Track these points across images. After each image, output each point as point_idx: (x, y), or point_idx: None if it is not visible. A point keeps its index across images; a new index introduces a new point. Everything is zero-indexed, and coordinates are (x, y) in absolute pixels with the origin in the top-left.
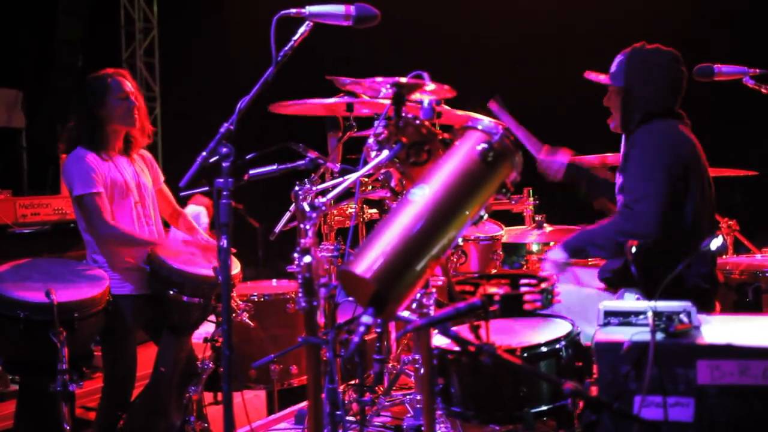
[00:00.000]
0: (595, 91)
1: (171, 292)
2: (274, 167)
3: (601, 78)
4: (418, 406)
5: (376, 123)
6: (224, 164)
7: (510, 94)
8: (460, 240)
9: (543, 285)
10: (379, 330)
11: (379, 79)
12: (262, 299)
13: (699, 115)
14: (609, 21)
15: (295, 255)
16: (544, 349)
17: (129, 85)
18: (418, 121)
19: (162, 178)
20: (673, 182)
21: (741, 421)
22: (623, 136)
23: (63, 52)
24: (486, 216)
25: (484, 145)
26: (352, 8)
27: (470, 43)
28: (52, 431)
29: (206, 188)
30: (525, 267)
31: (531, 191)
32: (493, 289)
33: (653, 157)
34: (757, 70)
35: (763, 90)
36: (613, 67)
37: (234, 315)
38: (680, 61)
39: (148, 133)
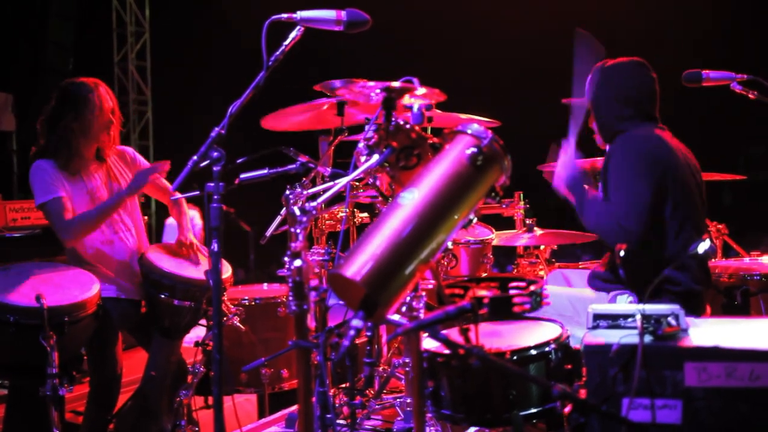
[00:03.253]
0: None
1: (162, 296)
2: (265, 171)
3: (578, 100)
4: (408, 409)
5: (366, 127)
6: (215, 168)
7: (501, 98)
8: (450, 243)
9: (532, 288)
10: (369, 333)
11: (369, 83)
12: (253, 303)
13: (688, 120)
14: (599, 23)
15: (286, 259)
16: (533, 352)
17: (109, 101)
18: (408, 126)
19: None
20: (653, 189)
21: (727, 422)
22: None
23: (54, 56)
24: (475, 220)
25: (474, 149)
26: (343, 13)
27: (461, 47)
28: None
29: (197, 192)
30: (516, 270)
31: (522, 195)
32: (482, 293)
33: (632, 167)
34: (745, 76)
35: (750, 95)
36: (586, 88)
37: (225, 319)
38: (644, 67)
39: (116, 144)
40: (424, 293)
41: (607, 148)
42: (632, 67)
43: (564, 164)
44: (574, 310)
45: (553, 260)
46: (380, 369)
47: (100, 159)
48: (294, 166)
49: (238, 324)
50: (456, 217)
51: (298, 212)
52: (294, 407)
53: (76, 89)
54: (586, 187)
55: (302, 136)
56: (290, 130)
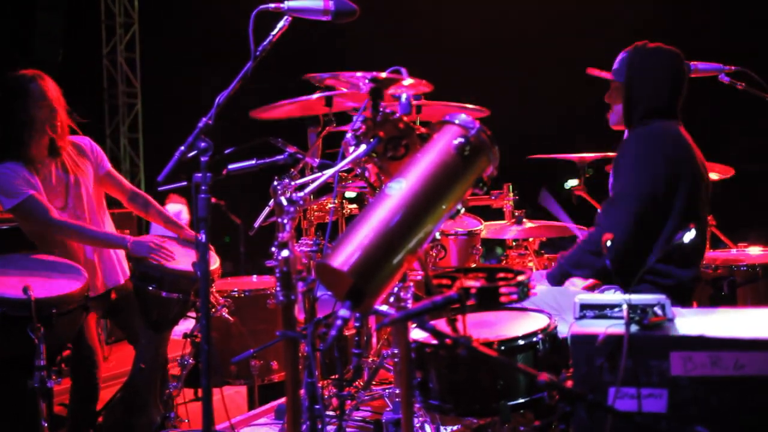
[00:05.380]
0: (578, 89)
1: (150, 288)
2: (253, 162)
3: (604, 74)
4: (397, 400)
5: (354, 118)
6: (203, 159)
7: (490, 88)
8: (438, 235)
9: (519, 278)
10: (357, 324)
11: (357, 74)
12: (242, 295)
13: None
14: (592, 17)
15: (273, 249)
16: (521, 342)
17: (53, 91)
18: (395, 116)
19: (107, 163)
20: (655, 186)
21: (712, 411)
22: (625, 133)
23: (42, 47)
24: (463, 210)
25: (461, 140)
26: (330, 3)
27: (452, 37)
28: (29, 428)
29: (184, 183)
30: (504, 261)
31: (511, 187)
32: (469, 283)
33: (642, 160)
34: (732, 67)
35: (738, 86)
36: (615, 64)
37: (213, 310)
38: (682, 60)
39: (69, 126)
40: (412, 284)
41: (625, 135)
42: (672, 57)
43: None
44: (558, 304)
45: (542, 252)
46: (369, 360)
47: (53, 152)
48: (282, 156)
49: (227, 315)
50: (444, 207)
51: (285, 203)
52: (284, 399)
53: (15, 81)
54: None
55: (290, 126)
56: (279, 118)
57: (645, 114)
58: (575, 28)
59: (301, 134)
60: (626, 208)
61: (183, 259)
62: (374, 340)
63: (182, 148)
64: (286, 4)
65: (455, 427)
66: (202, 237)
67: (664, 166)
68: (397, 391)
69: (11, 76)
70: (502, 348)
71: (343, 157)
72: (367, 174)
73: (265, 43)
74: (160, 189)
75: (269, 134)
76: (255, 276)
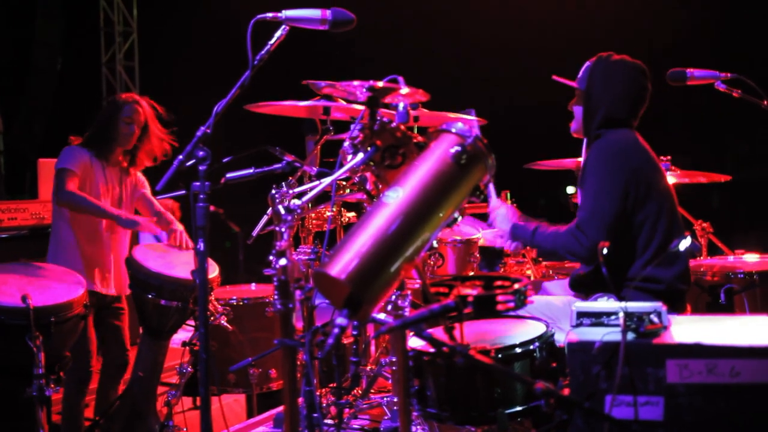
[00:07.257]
0: (568, 95)
1: (149, 296)
2: (251, 170)
3: (568, 81)
4: (395, 408)
5: (352, 126)
6: (201, 168)
7: (487, 97)
8: (435, 243)
9: (516, 286)
10: (355, 332)
11: (354, 82)
12: (241, 303)
13: (676, 119)
14: (588, 25)
15: (272, 258)
16: (518, 350)
17: (139, 115)
18: (393, 125)
19: (145, 188)
20: (623, 195)
21: (708, 419)
22: (584, 143)
23: (41, 55)
24: (460, 218)
25: (458, 148)
26: (328, 12)
27: (448, 47)
28: None
29: (183, 192)
30: (503, 270)
31: (508, 194)
32: (467, 291)
33: (605, 172)
34: (729, 75)
35: (734, 94)
36: (580, 73)
37: (212, 318)
38: (644, 75)
39: (155, 155)
40: (409, 292)
41: (584, 144)
42: (633, 69)
43: (502, 220)
44: (553, 315)
45: (540, 259)
46: (367, 368)
47: (122, 167)
48: (280, 165)
49: (225, 324)
50: (441, 215)
51: (283, 211)
52: (282, 407)
53: (117, 98)
54: (528, 225)
55: (289, 135)
56: (273, 113)
57: (601, 124)
58: (572, 36)
59: (299, 143)
60: (597, 233)
61: (181, 267)
62: (372, 348)
63: (180, 157)
64: (283, 14)
65: None
66: (201, 245)
67: (627, 177)
68: (395, 399)
69: (120, 95)
70: (500, 356)
71: (341, 166)
72: (364, 182)
73: (262, 52)
74: (158, 198)
75: (268, 142)
76: (254, 284)
